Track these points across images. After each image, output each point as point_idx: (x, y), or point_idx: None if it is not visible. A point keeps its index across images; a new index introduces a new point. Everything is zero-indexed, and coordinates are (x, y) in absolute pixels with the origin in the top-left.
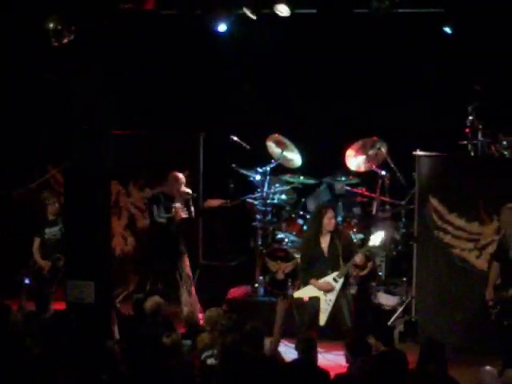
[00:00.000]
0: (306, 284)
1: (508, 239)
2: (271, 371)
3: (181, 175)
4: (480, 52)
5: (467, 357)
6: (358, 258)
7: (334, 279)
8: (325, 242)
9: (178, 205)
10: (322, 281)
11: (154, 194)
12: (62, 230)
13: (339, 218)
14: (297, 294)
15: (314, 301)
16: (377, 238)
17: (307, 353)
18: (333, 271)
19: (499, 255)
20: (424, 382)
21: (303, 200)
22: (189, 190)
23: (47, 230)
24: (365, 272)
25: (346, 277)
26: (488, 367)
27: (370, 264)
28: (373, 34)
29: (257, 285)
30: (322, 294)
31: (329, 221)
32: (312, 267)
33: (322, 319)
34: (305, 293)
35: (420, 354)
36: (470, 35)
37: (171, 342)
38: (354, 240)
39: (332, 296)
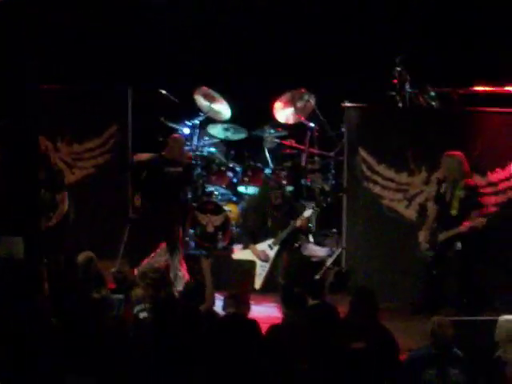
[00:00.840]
0: (246, 247)
1: (447, 185)
2: (199, 325)
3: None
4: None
5: (399, 305)
6: (298, 223)
7: (270, 246)
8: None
9: None
10: (258, 247)
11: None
12: None
13: (268, 170)
14: (236, 256)
15: (250, 264)
16: (307, 213)
17: (236, 307)
18: (270, 237)
19: (437, 199)
20: (355, 331)
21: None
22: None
23: None
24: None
25: (282, 242)
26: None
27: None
28: None
29: (187, 238)
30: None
31: (275, 200)
32: (252, 232)
33: (257, 283)
34: (243, 255)
35: (350, 304)
36: None
37: (101, 297)
38: (286, 192)
39: (267, 262)
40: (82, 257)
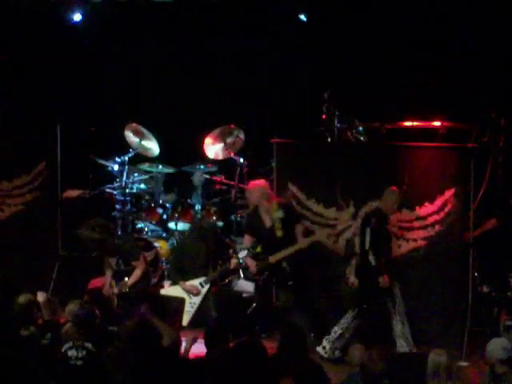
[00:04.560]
0: (175, 283)
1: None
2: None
3: None
4: (334, 40)
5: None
6: (232, 264)
7: (201, 284)
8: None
9: None
10: (189, 283)
11: None
12: None
13: (198, 207)
14: (164, 292)
15: (179, 300)
16: (242, 253)
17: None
18: (202, 275)
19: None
20: (284, 367)
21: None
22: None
23: None
24: None
25: (213, 282)
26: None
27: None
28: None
29: None
30: (187, 295)
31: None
32: (183, 269)
33: (185, 320)
34: (172, 291)
35: (280, 341)
36: (323, 22)
37: (29, 334)
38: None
39: (197, 299)
40: (22, 298)
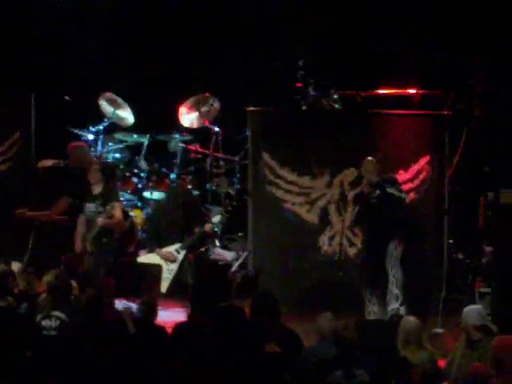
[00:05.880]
0: (151, 251)
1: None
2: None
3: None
4: (310, 7)
5: (303, 309)
6: (207, 228)
7: (177, 250)
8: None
9: None
10: (165, 250)
11: None
12: None
13: (173, 175)
14: (141, 260)
15: (156, 268)
16: (216, 218)
17: (147, 314)
18: (177, 242)
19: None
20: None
21: (136, 157)
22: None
23: None
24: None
25: (189, 247)
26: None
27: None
28: None
29: None
30: (164, 262)
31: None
32: (159, 237)
33: (164, 286)
34: (148, 259)
35: (251, 307)
36: None
37: (6, 305)
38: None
39: (174, 266)
40: None
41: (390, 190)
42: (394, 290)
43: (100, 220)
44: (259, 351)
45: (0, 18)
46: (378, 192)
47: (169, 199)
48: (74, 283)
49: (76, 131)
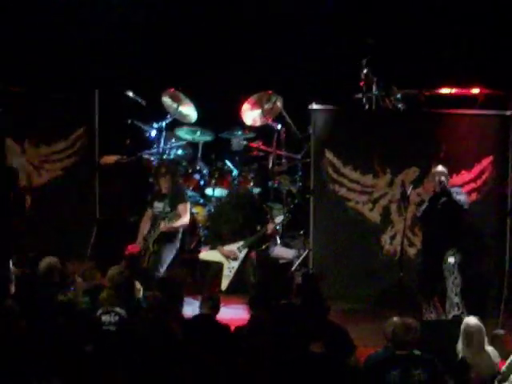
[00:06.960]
0: (213, 248)
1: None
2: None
3: None
4: (373, 6)
5: (363, 307)
6: (269, 229)
7: (239, 248)
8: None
9: None
10: (227, 248)
11: None
12: None
13: (235, 173)
14: (202, 256)
15: (217, 265)
16: (279, 219)
17: (211, 310)
18: (239, 241)
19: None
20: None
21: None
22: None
23: None
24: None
25: (251, 246)
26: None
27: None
28: None
29: None
30: (225, 260)
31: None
32: (220, 234)
33: (224, 284)
34: (210, 256)
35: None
36: None
37: (67, 300)
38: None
39: (235, 264)
40: (43, 263)
41: (456, 198)
42: (454, 297)
43: (162, 225)
44: (304, 351)
45: (69, 18)
46: (444, 198)
47: (230, 199)
48: (137, 284)
49: (139, 124)
